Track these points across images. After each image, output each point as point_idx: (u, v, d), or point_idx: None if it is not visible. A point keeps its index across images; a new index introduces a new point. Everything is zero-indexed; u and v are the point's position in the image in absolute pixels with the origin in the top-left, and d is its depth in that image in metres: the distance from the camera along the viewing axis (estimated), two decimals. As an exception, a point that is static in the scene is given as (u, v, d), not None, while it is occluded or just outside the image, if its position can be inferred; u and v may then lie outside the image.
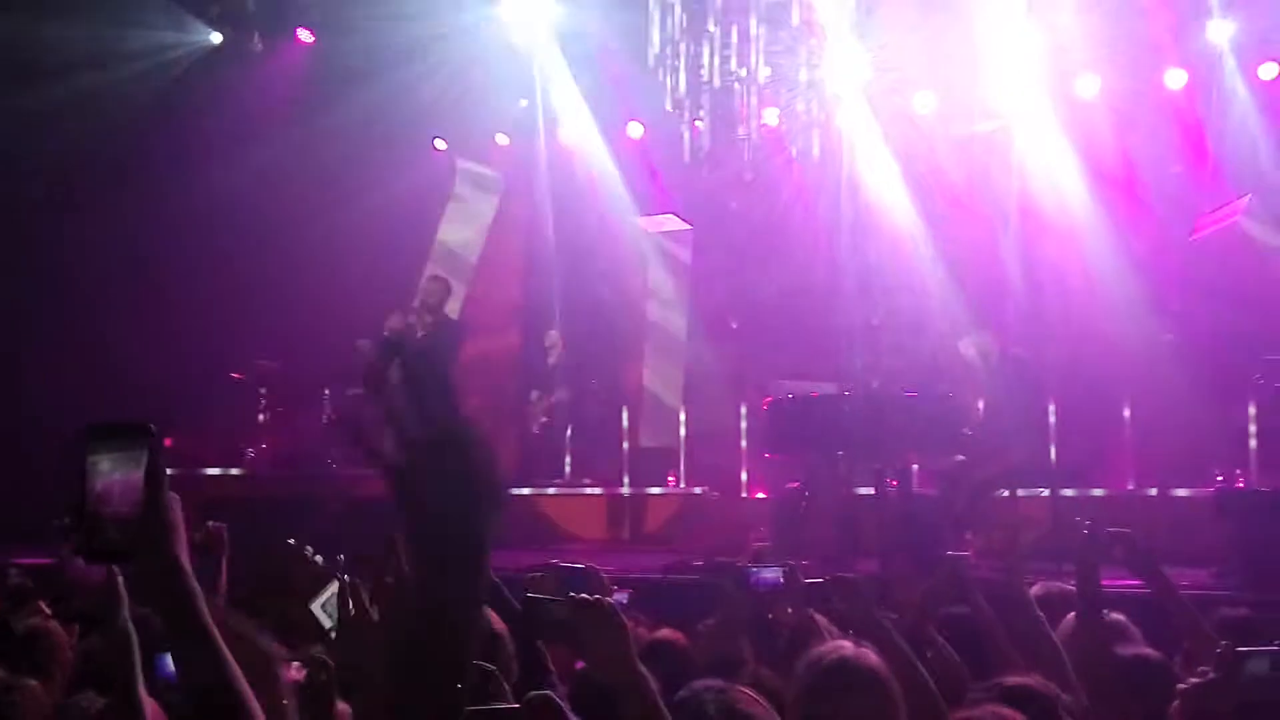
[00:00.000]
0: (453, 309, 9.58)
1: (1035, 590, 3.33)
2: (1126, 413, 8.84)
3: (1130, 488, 8.46)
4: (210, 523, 3.57)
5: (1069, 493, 7.72)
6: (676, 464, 10.14)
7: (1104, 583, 3.13)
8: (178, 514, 1.43)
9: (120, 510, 1.39)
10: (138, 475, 1.40)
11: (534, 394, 10.36)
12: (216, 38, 10.48)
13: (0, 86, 8.74)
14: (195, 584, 1.42)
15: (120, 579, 2.12)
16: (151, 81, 9.93)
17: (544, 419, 10.29)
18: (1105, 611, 3.10)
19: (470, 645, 1.43)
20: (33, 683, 2.76)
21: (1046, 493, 7.35)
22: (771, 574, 3.45)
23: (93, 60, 9.40)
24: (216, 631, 1.41)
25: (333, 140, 10.21)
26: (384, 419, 8.49)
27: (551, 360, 10.43)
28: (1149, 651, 2.99)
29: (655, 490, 9.73)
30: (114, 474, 1.39)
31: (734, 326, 10.65)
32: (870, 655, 2.37)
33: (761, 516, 8.30)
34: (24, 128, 9.03)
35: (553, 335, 10.49)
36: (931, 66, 9.20)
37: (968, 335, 7.75)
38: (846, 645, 2.42)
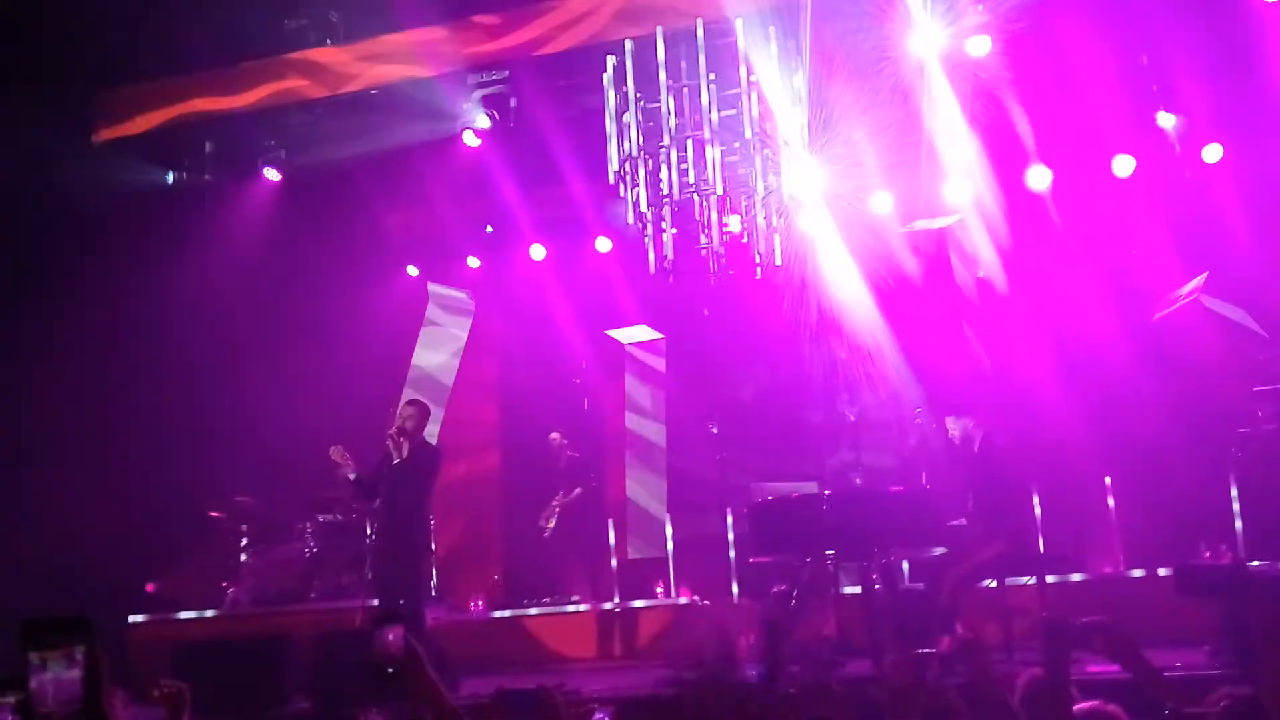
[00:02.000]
0: (432, 433, 9.58)
1: (1082, 708, 3.23)
2: (1109, 495, 8.85)
3: (1117, 570, 8.42)
4: (163, 683, 3.45)
5: (1055, 579, 7.68)
6: (665, 574, 10.04)
7: (1093, 669, 3.12)
8: (118, 711, 1.45)
9: (59, 711, 1.39)
10: (75, 674, 1.40)
11: (557, 497, 10.31)
12: (169, 178, 10.63)
13: None
14: None
15: None
16: (114, 213, 10.02)
17: (552, 525, 10.18)
18: (1101, 702, 3.07)
19: None
20: None
21: (1032, 581, 7.30)
22: (754, 672, 3.39)
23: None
24: None
25: (305, 270, 10.35)
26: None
27: (561, 463, 10.44)
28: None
29: (645, 603, 9.61)
30: (52, 672, 1.39)
31: (713, 431, 10.65)
32: None
33: (752, 621, 8.24)
34: None
35: (556, 436, 10.53)
36: (886, 168, 9.43)
37: (951, 419, 7.80)
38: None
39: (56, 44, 9.32)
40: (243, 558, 9.96)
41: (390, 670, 2.53)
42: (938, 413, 8.05)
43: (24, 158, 9.25)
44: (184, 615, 9.40)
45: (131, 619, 9.26)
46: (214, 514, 9.93)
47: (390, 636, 2.66)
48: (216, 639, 8.16)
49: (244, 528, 9.98)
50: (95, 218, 9.86)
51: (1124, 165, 9.60)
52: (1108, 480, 8.72)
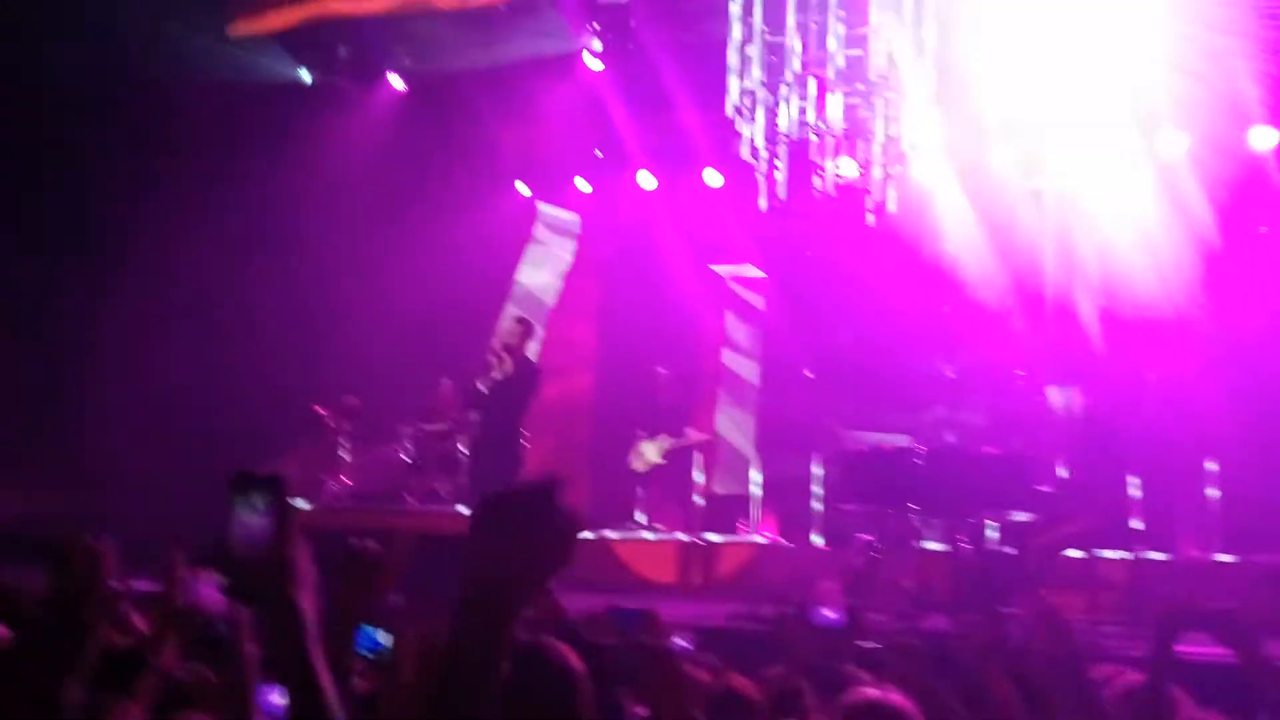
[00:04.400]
0: (532, 351, 9.73)
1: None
2: (1208, 482, 8.62)
3: (1210, 553, 8.24)
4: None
5: (1150, 556, 7.56)
6: (748, 512, 10.10)
7: (1184, 649, 3.07)
8: (304, 560, 1.54)
9: (251, 554, 1.52)
10: (268, 522, 1.52)
11: (661, 436, 10.26)
12: (308, 77, 10.83)
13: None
14: (311, 628, 1.52)
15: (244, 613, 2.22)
16: (240, 109, 10.22)
17: (664, 461, 10.21)
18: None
19: (489, 694, 1.45)
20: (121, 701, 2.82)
21: (1126, 555, 7.20)
22: (834, 614, 3.46)
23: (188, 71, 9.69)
24: (326, 677, 1.51)
25: (422, 180, 10.49)
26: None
27: (664, 399, 10.38)
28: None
29: (727, 538, 9.71)
30: (250, 519, 1.52)
31: (808, 376, 10.60)
32: None
33: (833, 568, 8.19)
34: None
35: (663, 372, 10.40)
36: (1010, 121, 9.19)
37: (1054, 387, 7.66)
38: None
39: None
40: (343, 455, 10.24)
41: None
42: (1040, 379, 7.91)
43: (162, 46, 9.49)
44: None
45: None
46: (321, 410, 10.18)
47: (205, 590, 2.66)
48: (313, 530, 8.45)
49: (348, 426, 10.24)
50: (229, 109, 10.06)
51: (1263, 137, 9.18)
52: (1211, 466, 8.49)
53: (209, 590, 2.61)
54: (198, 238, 9.65)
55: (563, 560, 1.48)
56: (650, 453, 10.24)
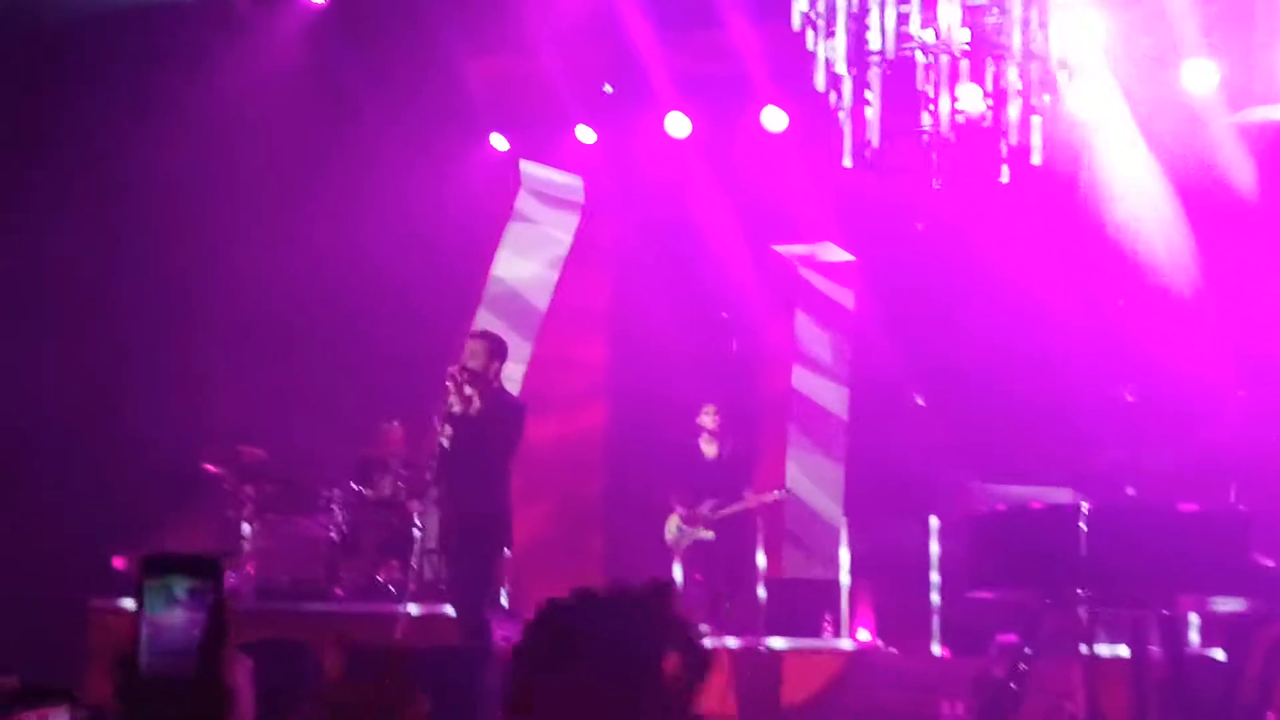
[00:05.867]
0: (513, 378, 9.71)
1: None
2: None
3: None
4: None
5: None
6: (835, 604, 10.09)
7: None
8: (242, 682, 1.58)
9: (168, 673, 1.55)
10: (193, 623, 1.57)
11: (707, 503, 10.29)
12: None
13: None
14: None
15: None
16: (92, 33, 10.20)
17: (710, 535, 10.25)
18: None
19: None
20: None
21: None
22: None
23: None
24: None
25: (351, 134, 10.51)
26: None
27: (711, 451, 10.40)
28: None
29: (803, 643, 9.67)
30: (167, 620, 1.57)
31: (919, 403, 10.61)
32: None
33: (959, 684, 8.31)
34: None
35: (710, 415, 10.43)
36: (1210, 25, 9.12)
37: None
38: None
39: None
40: (245, 531, 10.22)
41: None
42: (1269, 398, 7.83)
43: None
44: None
45: (93, 602, 9.63)
46: (210, 468, 10.19)
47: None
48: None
49: (250, 490, 10.22)
50: (66, 38, 10.11)
51: None
52: None
53: None
54: (34, 211, 9.70)
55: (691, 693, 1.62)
56: (691, 525, 10.25)
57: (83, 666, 8.97)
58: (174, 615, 1.58)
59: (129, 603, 9.44)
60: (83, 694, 2.64)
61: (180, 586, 1.58)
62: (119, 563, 9.95)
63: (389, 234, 10.59)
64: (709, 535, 10.25)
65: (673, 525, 10.37)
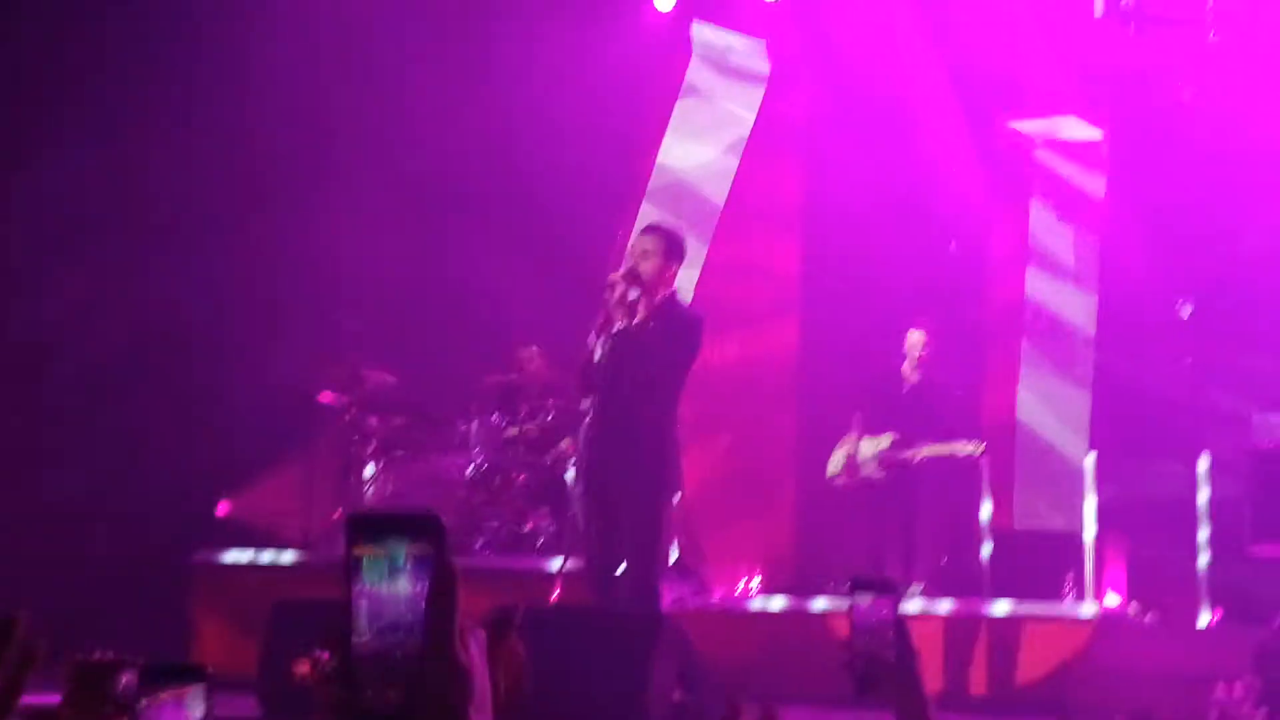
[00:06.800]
0: (683, 287, 9.77)
1: None
2: None
3: None
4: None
5: None
6: (1078, 561, 10.08)
7: None
8: (473, 657, 1.67)
9: (395, 649, 1.64)
10: (410, 596, 1.65)
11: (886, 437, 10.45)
12: None
13: None
14: None
15: None
16: None
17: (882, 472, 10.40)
18: None
19: None
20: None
21: None
22: None
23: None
24: None
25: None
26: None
27: (914, 377, 10.56)
28: None
29: (1039, 607, 9.74)
30: (378, 590, 1.65)
31: (1184, 315, 10.49)
32: None
33: (1236, 661, 8.18)
34: None
35: (918, 337, 10.54)
36: None
37: None
38: None
39: None
40: (368, 470, 10.50)
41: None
42: None
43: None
44: (266, 558, 10.03)
45: (195, 558, 9.97)
46: (327, 396, 10.37)
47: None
48: (319, 599, 8.67)
49: (374, 422, 10.46)
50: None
51: None
52: None
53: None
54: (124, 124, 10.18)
55: None
56: (868, 452, 10.38)
57: (188, 631, 9.47)
58: (397, 585, 1.61)
59: (238, 556, 9.97)
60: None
61: (401, 552, 1.62)
62: (223, 508, 10.22)
63: (532, 117, 10.78)
64: (879, 474, 10.36)
65: (845, 454, 10.50)
